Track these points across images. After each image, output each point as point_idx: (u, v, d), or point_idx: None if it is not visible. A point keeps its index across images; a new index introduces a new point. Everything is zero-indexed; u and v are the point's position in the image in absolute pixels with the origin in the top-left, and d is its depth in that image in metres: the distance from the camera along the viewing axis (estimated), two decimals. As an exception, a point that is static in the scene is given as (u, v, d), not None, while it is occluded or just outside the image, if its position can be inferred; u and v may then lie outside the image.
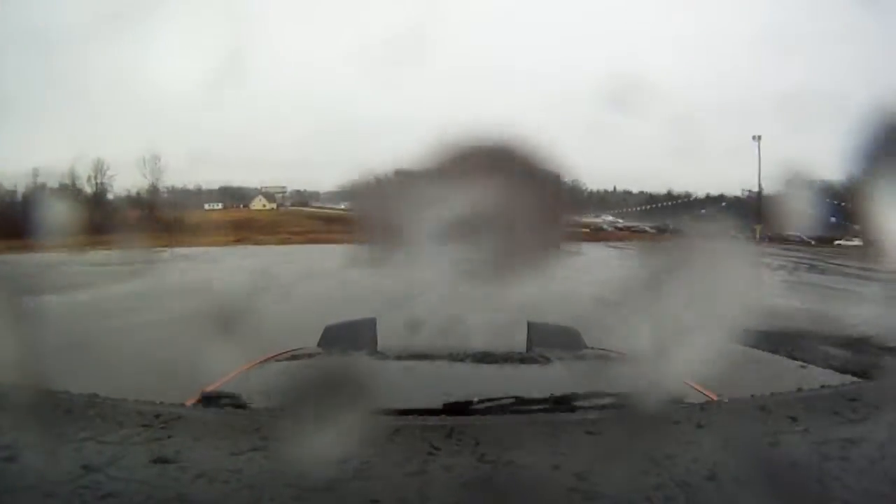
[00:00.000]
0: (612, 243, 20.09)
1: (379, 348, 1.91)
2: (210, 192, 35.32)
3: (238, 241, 24.74)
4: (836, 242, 23.31)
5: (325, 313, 3.15)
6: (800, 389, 1.04)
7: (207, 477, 0.66)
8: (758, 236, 19.34)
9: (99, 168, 29.18)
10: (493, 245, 0.78)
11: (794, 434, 0.79)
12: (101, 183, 29.62)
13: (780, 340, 4.87)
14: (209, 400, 1.29)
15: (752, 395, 1.00)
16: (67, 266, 12.16)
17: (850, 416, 0.83)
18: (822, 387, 1.03)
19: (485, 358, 1.85)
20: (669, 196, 33.55)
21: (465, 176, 0.76)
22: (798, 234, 24.17)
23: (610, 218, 31.83)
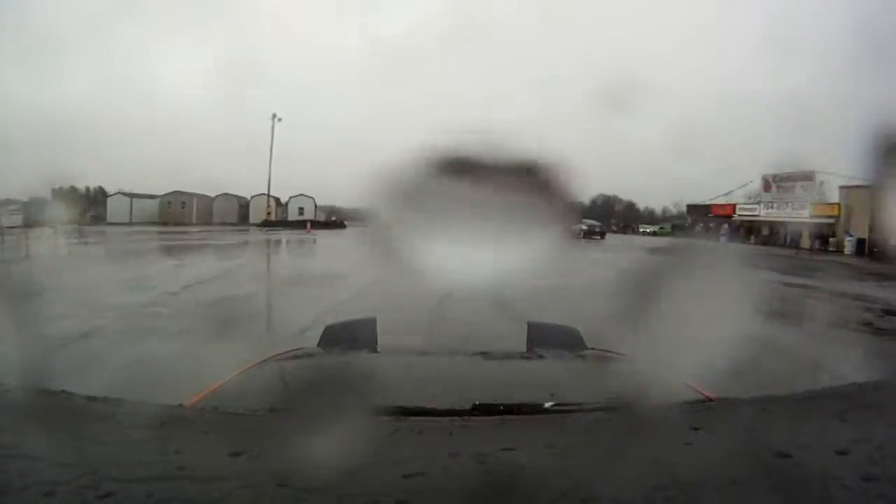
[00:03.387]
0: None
1: (379, 348, 1.91)
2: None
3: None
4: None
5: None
6: (800, 390, 1.04)
7: (207, 477, 0.66)
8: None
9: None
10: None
11: (794, 434, 0.79)
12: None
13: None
14: (209, 400, 1.30)
15: (752, 396, 1.00)
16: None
17: (850, 416, 0.83)
18: (823, 387, 1.03)
19: (485, 358, 1.85)
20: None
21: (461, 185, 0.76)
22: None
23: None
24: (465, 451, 0.74)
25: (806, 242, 28.72)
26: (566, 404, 1.14)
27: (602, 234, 29.89)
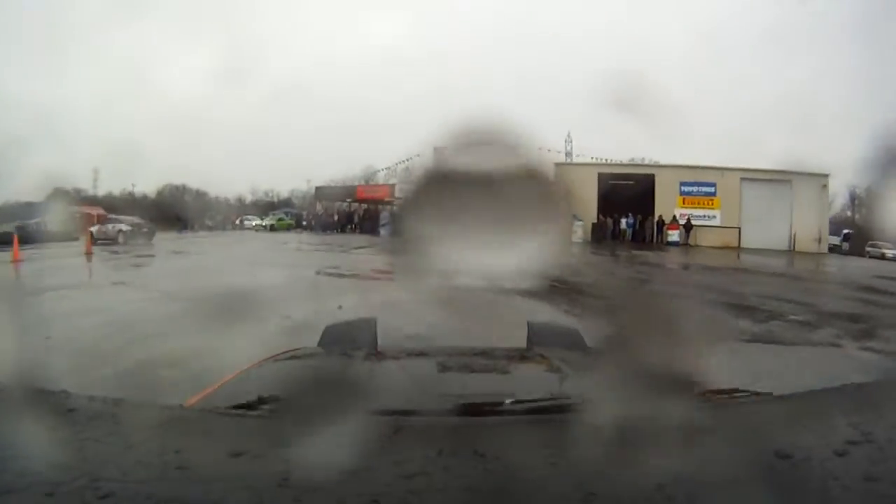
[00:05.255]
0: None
1: (379, 348, 1.91)
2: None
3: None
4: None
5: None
6: (800, 390, 1.04)
7: (207, 478, 0.66)
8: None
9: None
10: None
11: (795, 434, 0.79)
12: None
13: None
14: (209, 400, 1.30)
15: (752, 396, 1.00)
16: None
17: (850, 416, 0.83)
18: (823, 387, 1.03)
19: (485, 358, 1.85)
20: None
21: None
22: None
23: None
24: (465, 450, 0.74)
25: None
26: (566, 404, 1.14)
27: (151, 234, 20.71)
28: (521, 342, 2.09)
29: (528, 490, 0.63)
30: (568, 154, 26.39)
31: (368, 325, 2.14)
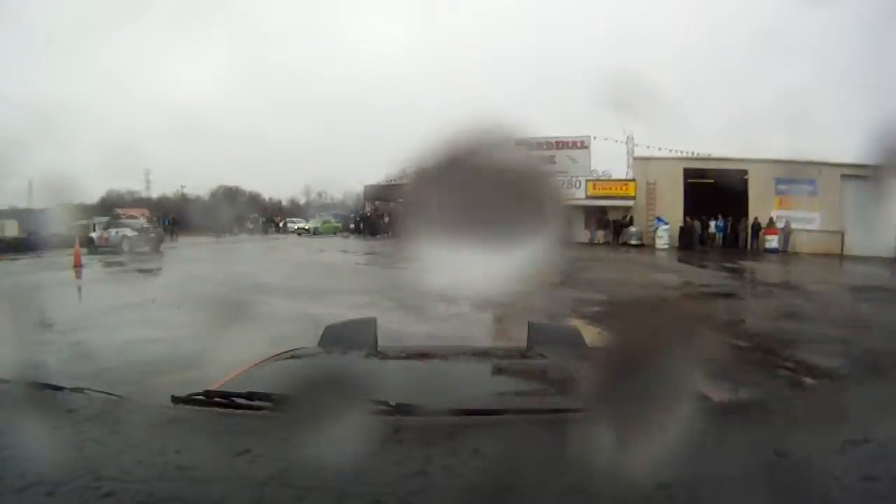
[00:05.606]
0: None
1: (379, 348, 1.92)
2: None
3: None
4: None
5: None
6: (800, 390, 1.04)
7: (208, 477, 0.67)
8: None
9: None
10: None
11: (795, 434, 0.79)
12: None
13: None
14: (210, 400, 1.29)
15: (753, 396, 1.00)
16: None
17: (849, 417, 0.83)
18: (823, 387, 1.04)
19: (485, 357, 1.85)
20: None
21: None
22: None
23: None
24: (465, 450, 0.74)
25: (581, 233, 20.52)
26: (566, 403, 1.14)
27: (159, 240, 18.48)
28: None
29: (528, 490, 0.63)
30: (630, 146, 21.95)
31: (369, 325, 2.14)
